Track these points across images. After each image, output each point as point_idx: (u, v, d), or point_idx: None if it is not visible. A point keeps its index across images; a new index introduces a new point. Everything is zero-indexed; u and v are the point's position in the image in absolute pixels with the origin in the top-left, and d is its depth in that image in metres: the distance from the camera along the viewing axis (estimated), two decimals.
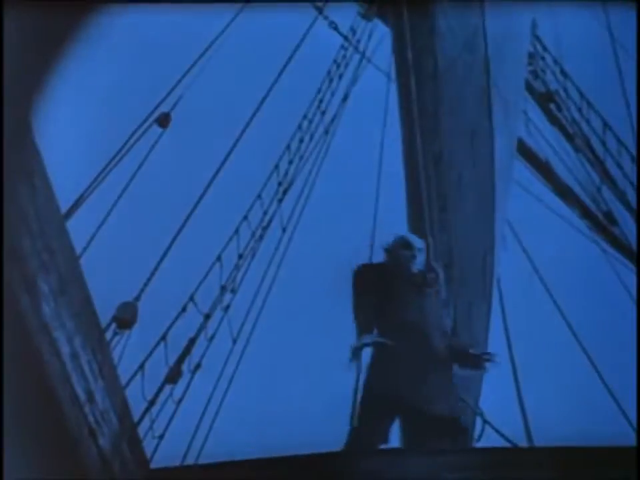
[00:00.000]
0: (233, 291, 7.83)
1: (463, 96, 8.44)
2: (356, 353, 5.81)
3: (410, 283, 6.25)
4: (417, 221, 7.39)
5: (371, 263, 6.57)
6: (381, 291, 6.14)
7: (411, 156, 7.57)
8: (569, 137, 10.91)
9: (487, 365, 6.16)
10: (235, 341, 7.67)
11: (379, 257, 6.54)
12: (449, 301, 6.96)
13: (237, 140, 8.55)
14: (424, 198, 7.33)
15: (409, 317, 6.06)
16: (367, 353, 5.97)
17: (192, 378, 7.08)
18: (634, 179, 9.23)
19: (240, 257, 8.01)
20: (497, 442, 5.79)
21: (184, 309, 7.22)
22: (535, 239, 10.05)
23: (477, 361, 6.15)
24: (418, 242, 6.42)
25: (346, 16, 10.54)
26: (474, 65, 8.63)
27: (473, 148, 8.44)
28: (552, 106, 11.36)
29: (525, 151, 11.00)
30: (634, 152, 9.22)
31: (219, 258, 7.71)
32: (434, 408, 5.71)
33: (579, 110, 10.59)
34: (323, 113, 9.76)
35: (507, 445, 5.80)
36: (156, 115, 8.24)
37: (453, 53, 8.24)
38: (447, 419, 5.75)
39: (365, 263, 6.52)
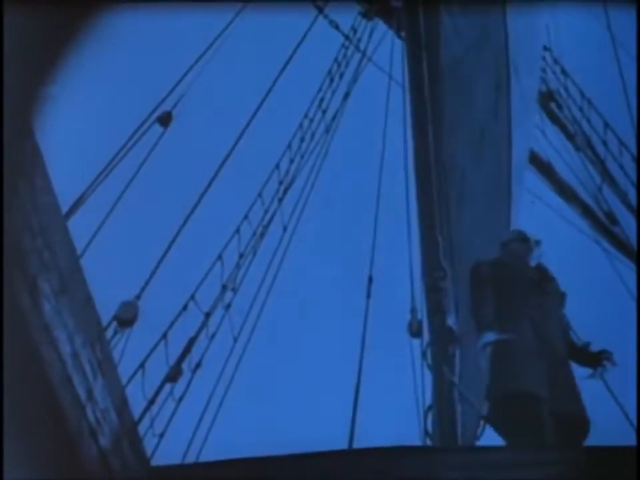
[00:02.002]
0: (234, 290, 7.84)
1: (470, 95, 8.42)
2: (482, 350, 5.76)
3: (528, 278, 6.16)
4: (427, 219, 7.36)
5: (490, 259, 6.49)
6: (500, 287, 6.05)
7: (422, 156, 7.53)
8: (570, 136, 10.91)
9: (607, 364, 6.02)
10: (235, 340, 7.67)
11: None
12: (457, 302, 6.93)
13: (238, 139, 8.55)
14: (435, 197, 7.31)
15: (529, 312, 5.96)
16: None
17: (192, 377, 7.09)
18: (635, 178, 9.23)
19: (241, 255, 8.01)
20: (497, 441, 5.79)
21: (185, 308, 7.23)
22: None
23: (596, 360, 6.03)
24: (533, 235, 6.36)
25: (347, 15, 10.54)
26: (483, 64, 8.61)
27: (482, 148, 8.42)
28: (552, 105, 11.36)
29: None
30: (634, 151, 9.21)
31: (220, 257, 7.71)
32: (559, 406, 5.61)
33: (580, 109, 10.58)
34: (324, 111, 9.76)
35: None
36: (157, 113, 8.24)
37: (460, 51, 8.23)
38: (572, 417, 5.65)
39: (482, 260, 6.45)
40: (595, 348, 6.29)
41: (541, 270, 6.31)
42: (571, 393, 5.80)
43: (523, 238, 6.41)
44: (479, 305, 6.01)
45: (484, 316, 5.93)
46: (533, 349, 5.79)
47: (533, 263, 6.29)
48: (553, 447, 5.33)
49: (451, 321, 6.68)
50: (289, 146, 9.21)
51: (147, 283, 7.18)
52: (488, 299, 5.99)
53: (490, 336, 5.77)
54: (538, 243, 6.35)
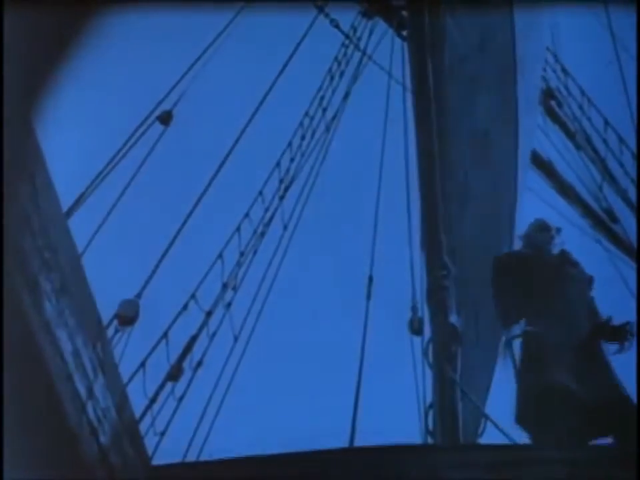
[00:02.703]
0: (235, 289, 7.83)
1: (474, 95, 8.41)
2: (506, 346, 5.76)
3: (551, 267, 6.15)
4: (431, 217, 7.35)
5: (510, 252, 6.48)
6: (523, 279, 6.05)
7: (425, 155, 7.52)
8: (570, 135, 10.90)
9: (631, 336, 5.97)
10: (236, 338, 7.67)
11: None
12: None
13: (239, 137, 8.56)
14: (439, 196, 7.31)
15: (553, 301, 5.95)
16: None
17: (193, 375, 7.09)
18: (635, 175, 9.22)
19: (241, 254, 8.01)
20: (498, 439, 5.79)
21: (185, 307, 7.23)
22: None
23: (621, 334, 5.98)
24: (553, 223, 6.38)
25: (347, 14, 10.54)
26: (488, 64, 8.60)
27: (486, 148, 8.41)
28: (553, 103, 11.35)
29: None
30: (634, 149, 9.21)
31: (220, 255, 7.71)
32: (594, 393, 5.58)
33: (580, 107, 10.58)
34: (324, 110, 9.76)
35: (508, 442, 5.78)
36: (158, 112, 8.24)
37: (464, 52, 8.22)
38: (609, 402, 5.62)
39: (505, 253, 6.46)
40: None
41: (564, 256, 6.31)
42: (605, 378, 5.77)
43: (543, 227, 6.41)
44: (502, 299, 6.01)
45: (507, 310, 5.94)
46: (560, 340, 5.78)
47: (555, 251, 6.29)
48: (546, 447, 5.33)
49: (453, 319, 6.67)
50: (290, 144, 9.21)
51: (147, 282, 7.18)
52: (511, 292, 6.00)
53: (515, 330, 5.79)
54: (559, 230, 6.35)
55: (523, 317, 5.92)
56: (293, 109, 9.84)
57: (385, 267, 9.14)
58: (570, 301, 6.03)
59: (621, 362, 6.30)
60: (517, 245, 6.85)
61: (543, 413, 5.58)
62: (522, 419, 5.69)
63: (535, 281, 6.09)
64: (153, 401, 6.61)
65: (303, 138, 9.37)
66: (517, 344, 5.99)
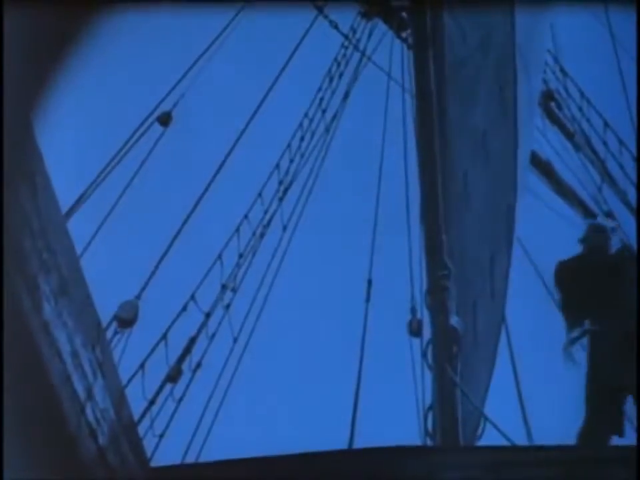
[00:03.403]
0: (234, 290, 7.83)
1: (473, 96, 8.41)
2: (567, 349, 5.83)
3: (607, 266, 6.22)
4: (432, 218, 7.34)
5: (572, 256, 6.55)
6: (585, 281, 6.12)
7: (427, 156, 7.51)
8: (570, 136, 10.89)
9: None
10: (235, 340, 7.67)
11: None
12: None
13: (238, 138, 8.55)
14: (439, 197, 7.30)
15: (612, 300, 6.02)
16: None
17: (192, 377, 7.09)
18: (634, 178, 9.22)
19: (241, 255, 8.01)
20: (497, 440, 5.79)
21: (185, 308, 7.22)
22: (535, 239, 10.05)
23: None
24: (609, 223, 6.41)
25: (346, 15, 10.53)
26: (487, 66, 8.59)
27: (485, 149, 8.40)
28: (552, 104, 11.33)
29: None
30: (634, 151, 9.20)
31: (219, 257, 7.71)
32: None
33: (580, 109, 10.57)
34: (324, 111, 9.75)
35: (507, 443, 5.78)
36: (157, 113, 8.24)
37: (463, 53, 8.22)
38: None
39: (564, 259, 6.52)
40: None
41: (623, 253, 6.36)
42: None
43: (598, 229, 6.44)
44: (565, 305, 6.09)
45: (570, 315, 6.01)
46: (623, 336, 5.84)
47: (613, 250, 6.33)
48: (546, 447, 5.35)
49: (453, 320, 6.66)
50: (289, 145, 9.20)
51: (147, 283, 7.18)
52: (573, 297, 6.07)
53: (574, 333, 5.86)
54: (614, 229, 6.40)
55: (587, 317, 6.01)
56: (293, 110, 9.84)
57: (383, 268, 9.14)
58: (628, 296, 6.09)
59: None
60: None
61: (608, 409, 5.68)
62: (592, 412, 5.78)
63: (597, 282, 6.16)
64: (151, 402, 6.61)
65: (302, 139, 9.36)
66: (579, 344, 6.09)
